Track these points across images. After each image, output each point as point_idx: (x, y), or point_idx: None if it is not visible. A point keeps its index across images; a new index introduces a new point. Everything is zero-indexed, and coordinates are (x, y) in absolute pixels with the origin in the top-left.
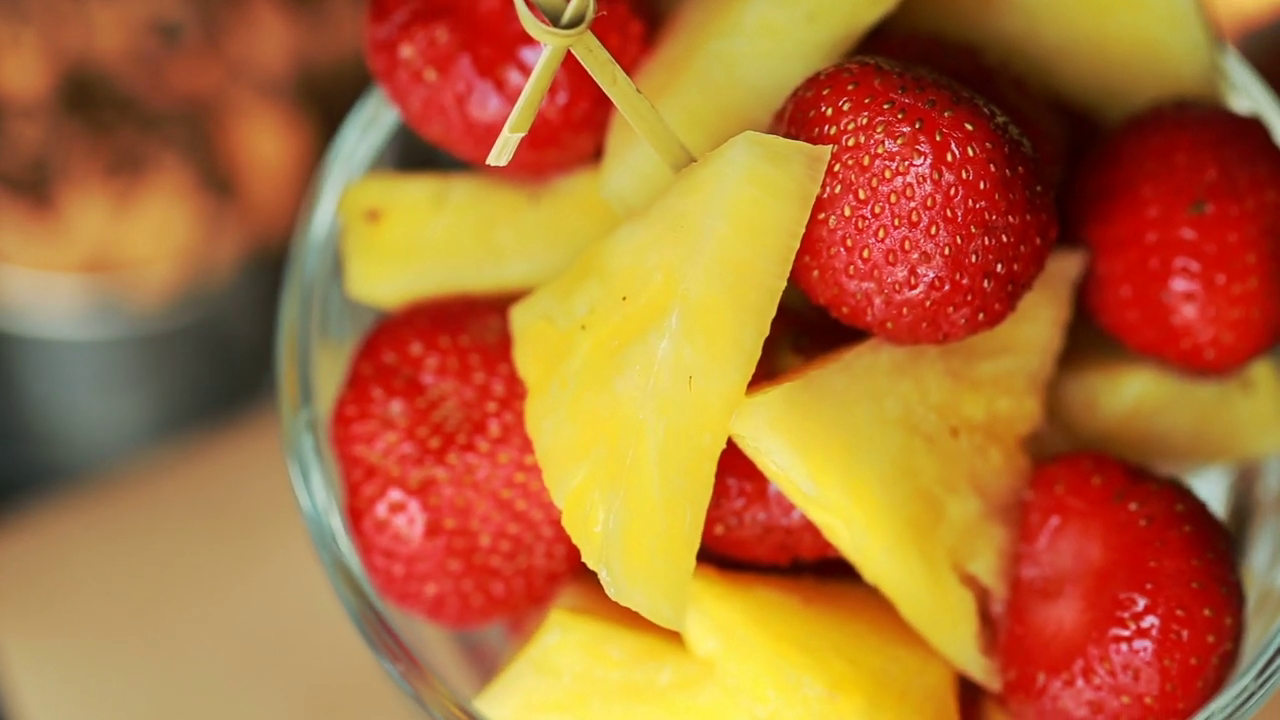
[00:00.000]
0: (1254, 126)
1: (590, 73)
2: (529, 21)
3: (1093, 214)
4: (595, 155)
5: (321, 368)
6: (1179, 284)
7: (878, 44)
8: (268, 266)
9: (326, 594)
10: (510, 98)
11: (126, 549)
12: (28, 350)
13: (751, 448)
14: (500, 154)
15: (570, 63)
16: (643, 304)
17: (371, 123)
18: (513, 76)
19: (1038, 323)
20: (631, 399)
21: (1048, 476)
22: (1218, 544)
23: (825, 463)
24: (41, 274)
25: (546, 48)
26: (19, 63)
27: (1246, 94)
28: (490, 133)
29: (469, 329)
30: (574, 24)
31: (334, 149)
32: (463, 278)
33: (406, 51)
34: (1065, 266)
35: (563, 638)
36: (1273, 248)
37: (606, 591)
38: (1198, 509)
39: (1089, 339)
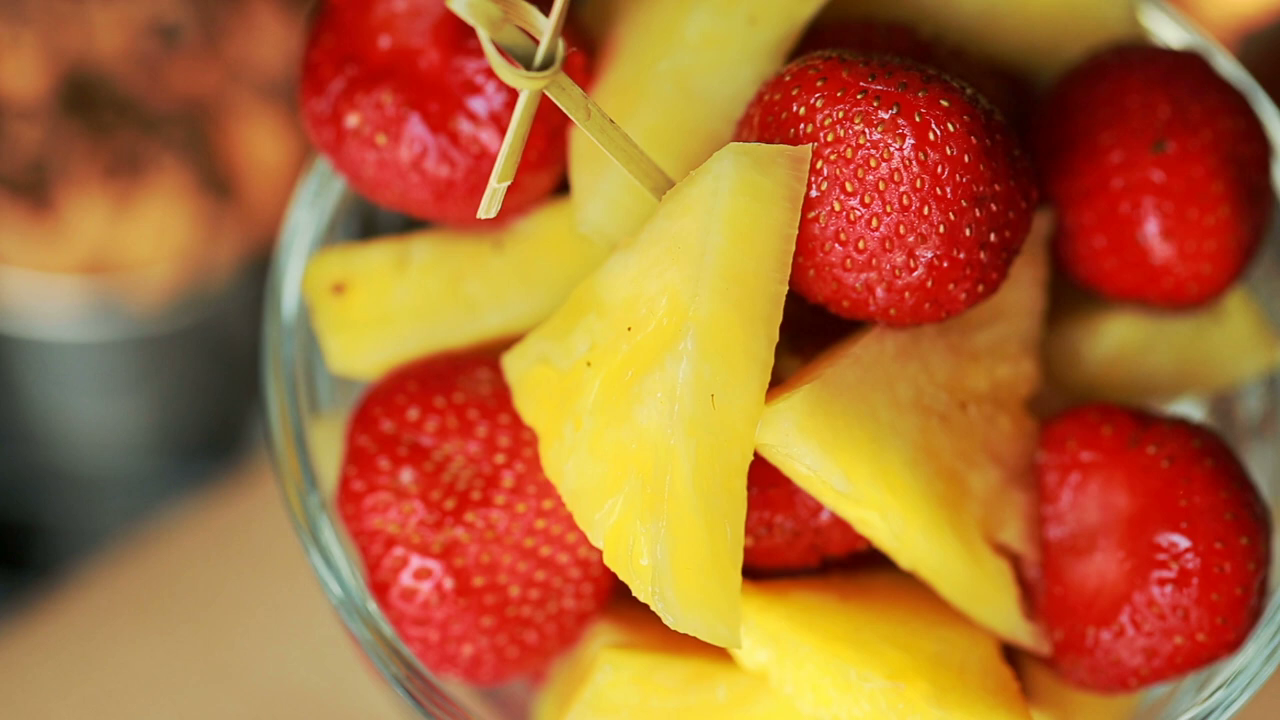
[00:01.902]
0: (1194, 59)
1: (566, 111)
2: (503, 69)
3: (1054, 169)
4: (551, 193)
5: (316, 444)
6: (1153, 225)
7: (814, 38)
8: (267, 268)
9: (292, 670)
10: (465, 149)
11: (84, 658)
12: (27, 352)
13: (781, 455)
14: (490, 206)
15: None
16: (651, 331)
17: (318, 197)
18: (464, 127)
19: (1020, 285)
20: (657, 427)
21: (1057, 435)
22: (1239, 472)
23: (855, 458)
24: (41, 275)
25: (523, 93)
26: (19, 64)
27: (1173, 26)
28: (452, 188)
29: (460, 385)
30: (545, 66)
31: (286, 230)
32: (440, 336)
33: (353, 120)
34: (1036, 225)
35: (614, 675)
36: (1234, 174)
37: (664, 621)
38: (1213, 441)
39: (1061, 292)
